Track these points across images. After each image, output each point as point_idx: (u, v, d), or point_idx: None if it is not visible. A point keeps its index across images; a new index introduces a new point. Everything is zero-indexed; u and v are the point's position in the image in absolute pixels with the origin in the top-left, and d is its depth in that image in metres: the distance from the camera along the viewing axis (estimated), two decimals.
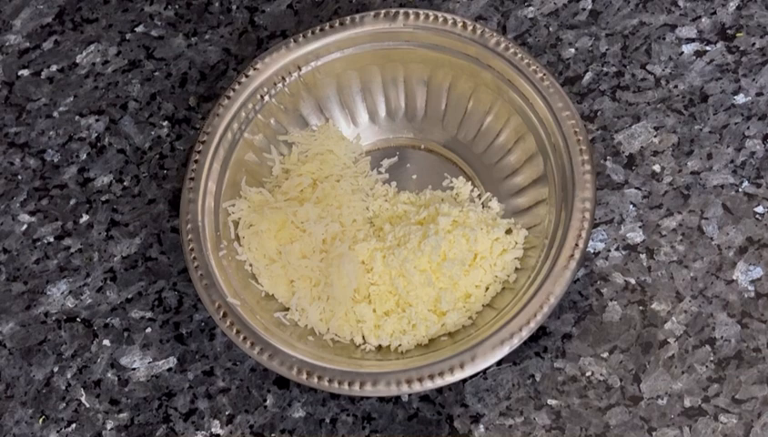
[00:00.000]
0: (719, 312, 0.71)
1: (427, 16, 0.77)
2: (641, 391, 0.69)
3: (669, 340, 0.70)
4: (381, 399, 0.71)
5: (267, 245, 0.74)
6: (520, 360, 0.71)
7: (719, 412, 0.68)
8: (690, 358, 0.70)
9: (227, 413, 0.73)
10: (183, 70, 0.86)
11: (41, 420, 0.74)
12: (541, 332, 0.72)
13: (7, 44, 0.90)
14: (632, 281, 0.73)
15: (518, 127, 0.75)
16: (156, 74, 0.87)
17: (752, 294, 0.71)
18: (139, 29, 0.89)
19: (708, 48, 0.80)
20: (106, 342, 0.76)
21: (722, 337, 0.70)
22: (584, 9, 0.83)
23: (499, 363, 0.70)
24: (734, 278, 0.72)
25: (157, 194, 0.81)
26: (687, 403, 0.68)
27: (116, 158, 0.83)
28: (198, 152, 0.76)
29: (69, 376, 0.75)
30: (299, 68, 0.79)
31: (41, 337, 0.77)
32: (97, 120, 0.85)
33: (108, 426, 0.73)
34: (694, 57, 0.80)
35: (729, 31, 0.80)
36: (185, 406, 0.73)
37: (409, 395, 0.71)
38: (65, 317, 0.78)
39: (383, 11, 0.78)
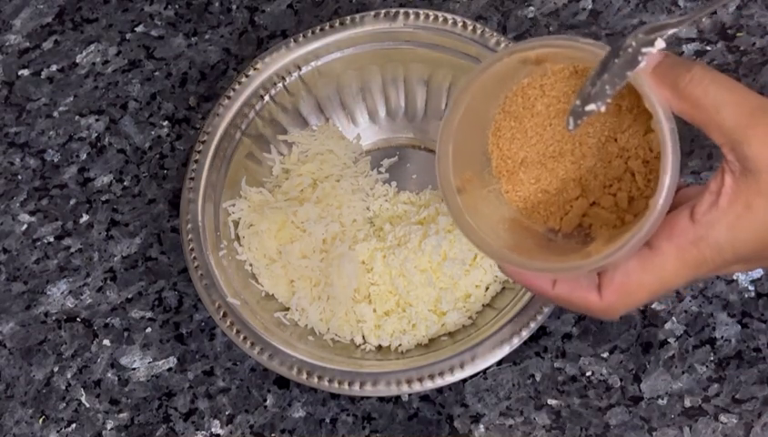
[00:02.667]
0: (719, 312, 0.71)
1: (427, 16, 0.77)
2: (642, 391, 0.69)
3: (669, 340, 0.70)
4: (381, 399, 0.71)
5: (267, 245, 0.74)
6: (520, 360, 0.71)
7: (719, 412, 0.68)
8: (690, 358, 0.70)
9: (227, 413, 0.73)
10: (183, 70, 0.86)
11: (41, 420, 0.74)
12: (541, 332, 0.72)
13: (7, 44, 0.90)
14: None
15: None
16: (156, 74, 0.87)
17: (753, 294, 0.71)
18: (139, 29, 0.89)
19: (708, 48, 0.80)
20: (106, 342, 0.76)
21: (722, 337, 0.70)
22: (584, 9, 0.83)
23: (499, 363, 0.70)
24: (735, 277, 0.72)
25: (157, 194, 0.81)
26: (687, 403, 0.68)
27: (116, 158, 0.83)
28: (198, 152, 0.76)
29: (69, 376, 0.75)
30: (299, 68, 0.79)
31: (41, 337, 0.77)
32: (97, 120, 0.85)
33: (108, 426, 0.73)
34: (695, 57, 0.80)
35: (729, 31, 0.80)
36: (185, 406, 0.73)
37: (409, 395, 0.71)
38: (65, 317, 0.78)
39: (383, 11, 0.78)
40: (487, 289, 0.72)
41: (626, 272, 0.53)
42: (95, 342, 0.76)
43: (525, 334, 0.67)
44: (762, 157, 0.49)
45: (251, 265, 0.74)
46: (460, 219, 0.56)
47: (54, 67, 0.88)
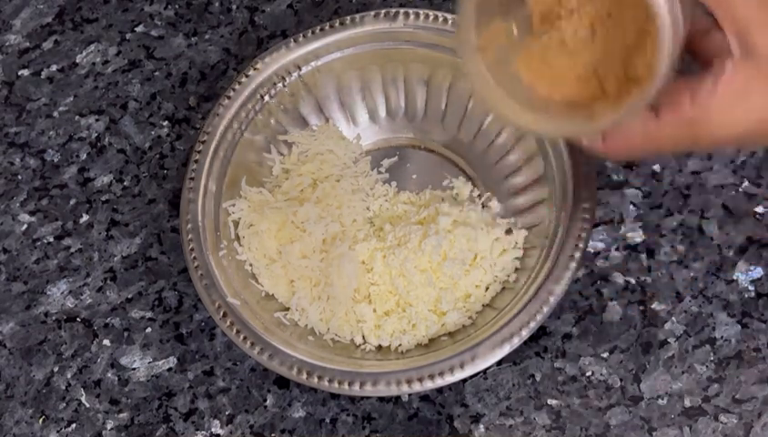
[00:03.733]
0: (719, 312, 0.71)
1: (427, 16, 0.77)
2: (642, 391, 0.69)
3: (669, 340, 0.70)
4: (381, 399, 0.71)
5: (267, 245, 0.74)
6: (520, 360, 0.71)
7: (719, 412, 0.68)
8: (690, 358, 0.70)
9: (227, 413, 0.73)
10: (183, 70, 0.86)
11: (41, 420, 0.74)
12: (541, 332, 0.72)
13: (7, 44, 0.90)
14: (632, 281, 0.73)
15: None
16: (156, 74, 0.87)
17: (753, 294, 0.71)
18: (139, 29, 0.89)
19: None
20: (106, 342, 0.76)
21: (722, 337, 0.70)
22: None
23: (499, 363, 0.70)
24: (734, 278, 0.72)
25: (157, 194, 0.81)
26: (687, 403, 0.68)
27: (116, 158, 0.83)
28: (198, 152, 0.76)
29: (69, 376, 0.75)
30: (299, 68, 0.79)
31: (41, 337, 0.77)
32: (97, 120, 0.85)
33: (108, 426, 0.73)
34: None
35: None
36: (185, 406, 0.73)
37: (409, 395, 0.71)
38: (65, 317, 0.78)
39: (383, 11, 0.78)
40: (487, 289, 0.72)
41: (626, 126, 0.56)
42: (95, 342, 0.76)
43: (525, 334, 0.67)
44: (766, 45, 0.52)
45: (251, 265, 0.74)
46: (478, 74, 0.53)
47: (54, 67, 0.88)
